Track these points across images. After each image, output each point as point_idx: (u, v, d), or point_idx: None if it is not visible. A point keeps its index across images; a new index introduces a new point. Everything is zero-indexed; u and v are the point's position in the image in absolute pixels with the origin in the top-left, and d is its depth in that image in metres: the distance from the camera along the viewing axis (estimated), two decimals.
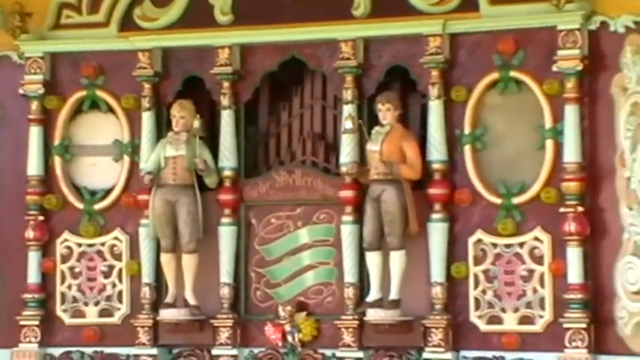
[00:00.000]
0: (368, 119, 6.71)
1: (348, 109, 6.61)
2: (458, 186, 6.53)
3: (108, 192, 7.14)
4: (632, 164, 6.08)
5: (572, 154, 6.20)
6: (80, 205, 7.10)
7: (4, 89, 7.27)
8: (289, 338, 6.79)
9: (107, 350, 7.06)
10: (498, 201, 6.40)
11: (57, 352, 7.03)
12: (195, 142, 6.74)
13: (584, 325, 6.16)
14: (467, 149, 6.49)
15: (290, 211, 6.88)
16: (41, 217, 7.13)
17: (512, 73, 6.46)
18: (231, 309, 6.81)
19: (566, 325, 6.20)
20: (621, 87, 6.15)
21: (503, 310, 6.43)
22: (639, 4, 6.32)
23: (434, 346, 6.48)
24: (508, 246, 6.43)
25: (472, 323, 6.44)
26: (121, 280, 7.10)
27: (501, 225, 6.39)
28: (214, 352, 6.80)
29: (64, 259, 7.17)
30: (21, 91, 7.17)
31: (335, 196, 6.74)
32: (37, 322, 7.09)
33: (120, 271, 7.07)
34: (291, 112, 7.01)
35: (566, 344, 6.25)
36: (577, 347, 6.20)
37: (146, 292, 6.94)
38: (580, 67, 6.22)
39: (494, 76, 6.47)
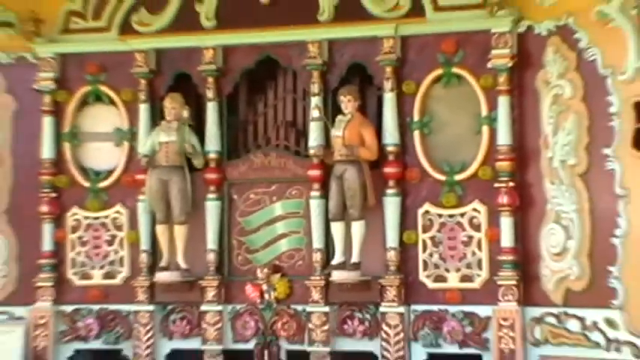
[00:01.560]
0: (332, 109, 6.72)
1: (315, 101, 6.72)
2: (408, 165, 6.63)
3: (110, 172, 7.22)
4: (554, 146, 6.28)
5: (504, 137, 6.36)
6: (87, 184, 7.20)
7: (20, 85, 7.29)
8: (266, 296, 6.86)
9: (111, 307, 7.20)
10: (443, 178, 6.53)
11: (68, 309, 7.14)
12: (184, 129, 6.83)
13: (514, 282, 6.34)
14: (416, 134, 6.59)
15: (266, 187, 6.94)
16: (53, 194, 7.21)
17: (454, 69, 6.61)
18: (217, 272, 6.92)
19: (499, 282, 6.38)
20: (544, 81, 6.34)
21: (447, 270, 6.59)
22: (559, 11, 6.34)
23: (389, 301, 6.60)
24: (451, 216, 6.59)
25: (421, 282, 6.58)
26: (122, 248, 7.21)
27: (445, 198, 6.52)
28: (202, 308, 6.89)
29: (74, 229, 7.26)
30: (35, 87, 7.20)
31: (304, 175, 6.82)
32: (51, 284, 7.21)
33: (121, 240, 7.18)
34: (266, 103, 7.08)
35: (500, 298, 6.43)
36: (509, 301, 6.38)
37: (144, 257, 7.04)
38: (510, 64, 6.37)
39: (439, 71, 6.59)
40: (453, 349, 6.59)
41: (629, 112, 6.09)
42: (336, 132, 6.65)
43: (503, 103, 6.41)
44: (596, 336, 6.19)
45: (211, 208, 6.98)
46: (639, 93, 6.06)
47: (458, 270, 6.62)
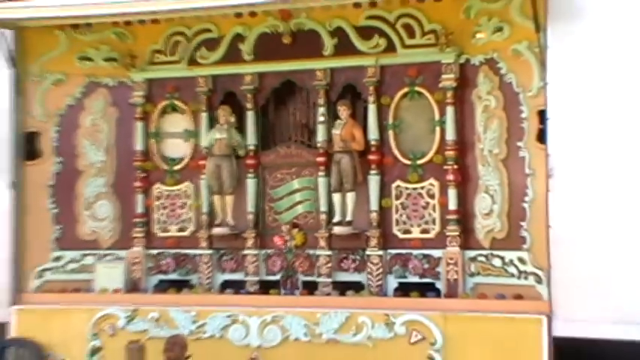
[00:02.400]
0: (332, 116, 7.00)
1: (321, 110, 7.02)
2: (385, 154, 6.89)
3: (181, 159, 7.48)
4: (484, 141, 6.60)
5: (450, 135, 6.67)
6: (165, 167, 7.50)
7: (121, 100, 7.56)
8: (288, 244, 6.99)
9: (182, 251, 7.41)
10: (409, 162, 6.84)
11: (154, 252, 7.46)
12: (232, 129, 7.19)
13: (457, 233, 6.60)
14: (390, 132, 6.88)
15: (288, 169, 7.18)
16: (143, 174, 7.51)
17: (416, 88, 6.79)
18: (254, 227, 7.14)
19: (447, 234, 6.63)
20: (477, 96, 6.67)
21: (412, 226, 6.82)
22: (487, 48, 6.49)
23: (372, 247, 6.82)
24: (414, 189, 6.82)
25: (394, 234, 6.85)
26: (190, 211, 7.43)
27: (411, 176, 6.82)
28: (244, 252, 7.14)
29: (157, 198, 7.52)
30: (131, 101, 7.50)
31: (314, 161, 7.04)
32: (142, 235, 7.46)
33: (189, 205, 7.42)
34: (288, 111, 7.29)
35: (447, 244, 6.62)
36: (453, 246, 6.60)
37: (204, 217, 7.29)
38: (454, 85, 6.63)
39: (406, 89, 6.83)
40: (416, 279, 6.72)
41: (534, 117, 6.23)
42: (335, 131, 6.91)
43: (449, 111, 6.65)
44: (511, 269, 6.39)
45: (250, 183, 7.18)
46: (541, 104, 6.12)
47: (419, 225, 6.79)
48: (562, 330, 5.92)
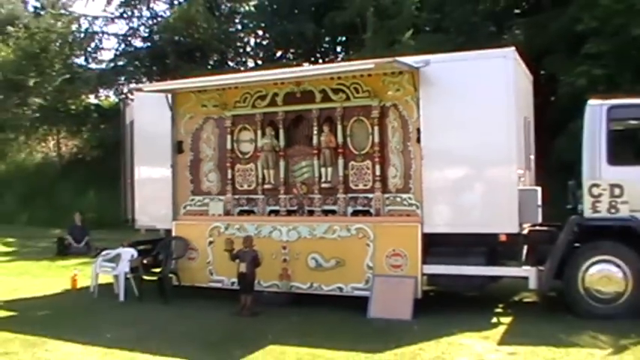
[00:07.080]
0: (321, 131, 7.55)
1: (315, 128, 7.60)
2: (346, 149, 7.50)
3: (249, 152, 8.02)
4: (392, 142, 7.20)
5: (377, 139, 7.27)
6: (241, 157, 8.00)
7: (221, 125, 8.19)
8: (300, 192, 7.72)
9: (250, 196, 7.98)
10: (357, 153, 7.47)
11: (236, 197, 7.94)
12: (272, 138, 7.76)
13: (380, 186, 7.24)
14: (348, 139, 7.54)
15: (300, 156, 7.89)
16: (231, 160, 8.04)
17: (360, 118, 7.45)
18: (284, 184, 7.77)
19: (375, 186, 7.31)
20: (389, 121, 7.30)
21: (359, 183, 7.56)
22: (393, 98, 7.10)
23: (341, 193, 7.54)
24: (360, 166, 7.53)
25: (350, 187, 7.43)
26: (253, 177, 8.03)
27: (358, 159, 7.49)
28: (279, 197, 7.70)
29: (237, 171, 8.13)
30: (224, 126, 8.08)
31: (312, 152, 7.66)
32: (231, 189, 8.03)
33: (253, 175, 8.02)
34: (299, 129, 7.95)
35: (375, 191, 7.33)
36: (379, 192, 7.33)
37: (260, 180, 7.87)
38: (378, 116, 7.30)
39: (355, 118, 7.47)
40: (361, 208, 7.46)
41: (415, 131, 7.03)
42: (322, 138, 7.59)
43: (376, 129, 7.32)
44: (405, 202, 7.27)
45: (282, 164, 7.86)
46: (418, 125, 6.89)
47: (363, 183, 7.56)
48: (427, 229, 6.78)
